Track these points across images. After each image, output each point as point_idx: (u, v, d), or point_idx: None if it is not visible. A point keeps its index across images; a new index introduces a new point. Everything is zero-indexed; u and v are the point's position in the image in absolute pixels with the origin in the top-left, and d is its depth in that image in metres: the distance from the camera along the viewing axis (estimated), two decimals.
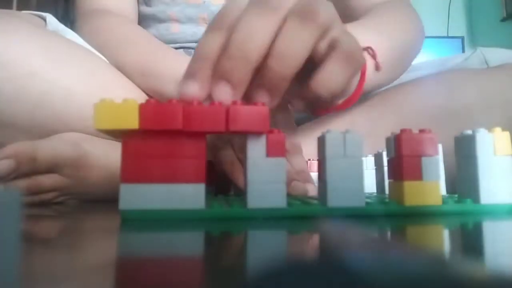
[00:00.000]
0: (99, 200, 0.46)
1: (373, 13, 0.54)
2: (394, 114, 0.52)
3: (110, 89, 0.49)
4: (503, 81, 0.49)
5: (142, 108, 0.24)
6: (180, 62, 0.50)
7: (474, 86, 0.49)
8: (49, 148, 0.41)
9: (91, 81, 0.48)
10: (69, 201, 0.45)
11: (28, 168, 0.39)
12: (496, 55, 0.59)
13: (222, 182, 0.43)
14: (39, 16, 0.56)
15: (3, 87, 0.42)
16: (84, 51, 0.52)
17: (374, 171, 0.44)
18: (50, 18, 0.56)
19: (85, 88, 0.46)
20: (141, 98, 0.49)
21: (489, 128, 0.29)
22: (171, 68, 0.50)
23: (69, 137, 0.44)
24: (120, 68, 0.53)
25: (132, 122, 0.24)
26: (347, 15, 0.57)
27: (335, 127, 0.30)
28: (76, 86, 0.46)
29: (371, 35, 0.45)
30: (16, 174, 0.38)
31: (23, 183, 0.39)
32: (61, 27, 0.55)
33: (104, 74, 0.51)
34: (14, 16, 0.47)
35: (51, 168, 0.41)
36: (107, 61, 0.54)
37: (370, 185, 0.44)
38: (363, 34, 0.39)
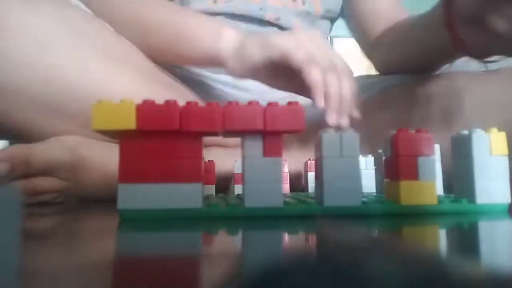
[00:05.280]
0: (98, 200, 0.46)
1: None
2: (393, 115, 0.52)
3: (124, 66, 0.48)
4: (500, 85, 0.49)
5: (139, 108, 0.25)
6: (210, 23, 0.50)
7: (471, 88, 0.49)
8: (43, 153, 0.41)
9: (107, 57, 0.47)
10: (67, 201, 0.45)
11: (23, 171, 0.39)
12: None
13: (222, 182, 0.43)
14: None
15: (19, 53, 0.42)
16: (101, 26, 0.50)
17: (374, 171, 0.44)
18: None
19: (101, 65, 0.45)
20: (152, 73, 0.50)
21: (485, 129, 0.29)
22: (204, 26, 0.49)
23: (66, 141, 0.44)
24: (147, 27, 0.51)
25: (129, 122, 0.24)
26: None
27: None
28: (92, 63, 0.45)
29: None
30: (12, 176, 0.38)
31: (19, 184, 0.39)
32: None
33: (120, 49, 0.49)
34: None
35: (46, 171, 0.41)
36: (128, 24, 0.52)
37: (370, 185, 0.44)
38: None
